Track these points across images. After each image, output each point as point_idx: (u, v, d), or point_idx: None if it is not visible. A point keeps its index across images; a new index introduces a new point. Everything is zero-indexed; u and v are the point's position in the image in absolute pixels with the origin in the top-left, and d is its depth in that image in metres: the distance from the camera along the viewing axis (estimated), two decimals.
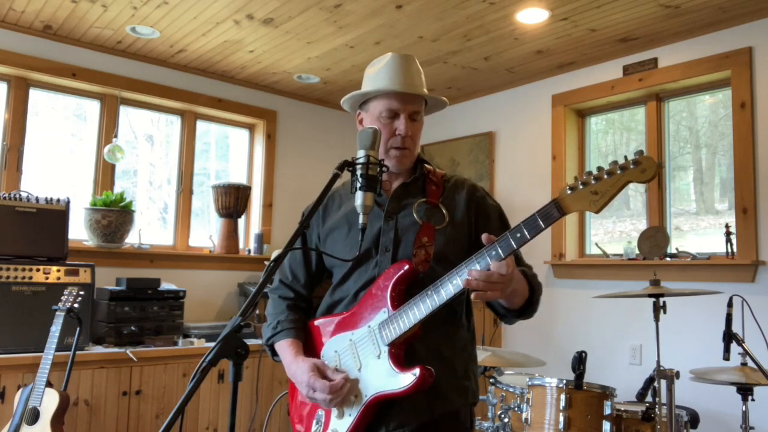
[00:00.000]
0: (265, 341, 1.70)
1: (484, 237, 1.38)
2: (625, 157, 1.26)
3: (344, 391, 1.50)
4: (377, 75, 1.64)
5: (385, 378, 1.45)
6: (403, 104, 1.62)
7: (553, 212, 1.30)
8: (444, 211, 1.62)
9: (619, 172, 1.25)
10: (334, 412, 1.53)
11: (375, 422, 1.50)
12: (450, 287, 1.39)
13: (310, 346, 1.65)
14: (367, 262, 1.60)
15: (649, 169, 1.23)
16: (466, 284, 1.35)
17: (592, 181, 1.27)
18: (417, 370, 1.41)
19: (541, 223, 1.30)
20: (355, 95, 1.68)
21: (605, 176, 1.26)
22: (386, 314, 1.49)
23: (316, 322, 1.68)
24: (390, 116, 1.62)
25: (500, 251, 1.34)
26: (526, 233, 1.31)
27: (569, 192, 1.29)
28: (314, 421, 1.58)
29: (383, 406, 1.49)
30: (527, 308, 1.54)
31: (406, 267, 1.49)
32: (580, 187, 1.28)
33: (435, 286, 1.42)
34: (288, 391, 1.75)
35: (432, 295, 1.42)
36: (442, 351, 1.55)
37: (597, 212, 1.28)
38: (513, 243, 1.33)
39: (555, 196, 1.32)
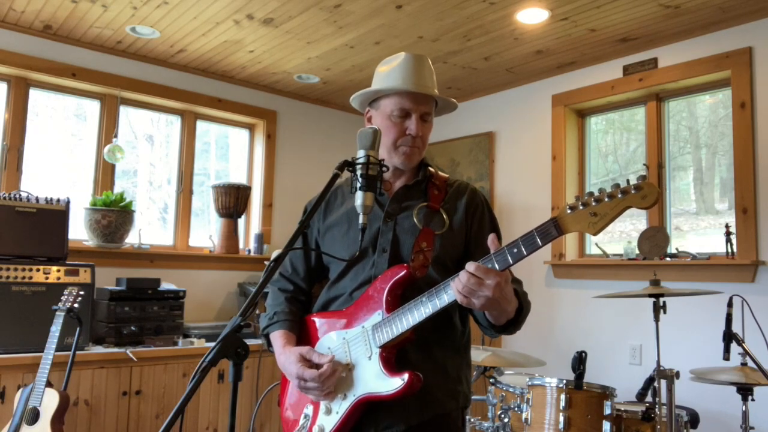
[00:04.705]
0: (261, 331, 1.72)
1: (489, 240, 1.38)
2: (627, 180, 1.26)
3: (335, 377, 1.49)
4: (391, 73, 1.64)
5: (374, 380, 1.46)
6: (416, 104, 1.61)
7: (551, 230, 1.30)
8: (444, 216, 1.62)
9: (619, 195, 1.25)
10: (322, 408, 1.54)
11: (364, 422, 1.51)
12: (445, 296, 1.40)
13: (305, 341, 1.66)
14: (363, 262, 1.60)
15: (649, 196, 1.22)
16: (453, 288, 1.35)
17: (593, 203, 1.27)
18: (406, 375, 1.41)
19: (538, 240, 1.30)
20: (367, 92, 1.67)
21: (606, 199, 1.26)
22: (380, 317, 1.49)
23: (312, 318, 1.69)
24: (401, 115, 1.62)
25: (496, 265, 1.34)
26: (523, 249, 1.32)
27: (569, 212, 1.29)
28: (302, 416, 1.59)
29: (373, 406, 1.49)
30: (510, 327, 1.52)
31: (404, 272, 1.49)
32: (580, 207, 1.28)
33: (430, 294, 1.42)
34: (279, 382, 1.76)
35: (426, 303, 1.42)
36: (434, 354, 1.55)
37: (595, 234, 1.28)
38: (510, 258, 1.33)
39: (555, 214, 1.31)
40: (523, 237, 1.32)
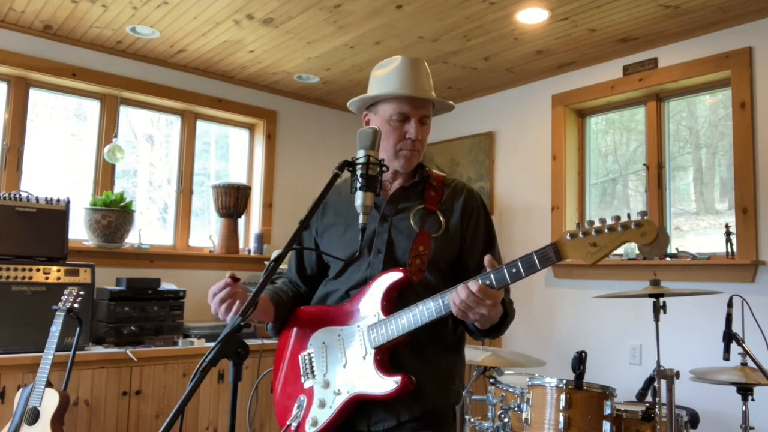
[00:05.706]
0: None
1: (486, 260, 1.40)
2: (628, 215, 1.29)
3: (225, 292, 1.52)
4: (388, 77, 1.65)
5: (367, 380, 1.49)
6: (414, 108, 1.63)
7: (550, 255, 1.33)
8: (441, 218, 1.64)
9: (620, 229, 1.28)
10: (316, 401, 1.56)
11: (357, 416, 1.54)
12: (442, 307, 1.43)
13: (300, 332, 1.68)
14: (359, 262, 1.62)
15: (649, 234, 1.25)
16: (450, 300, 1.40)
17: (593, 233, 1.29)
18: (399, 378, 1.45)
19: (537, 263, 1.34)
20: (366, 98, 1.68)
21: (606, 231, 1.28)
22: (376, 318, 1.52)
23: (308, 309, 1.71)
24: (400, 119, 1.63)
25: (494, 282, 1.37)
26: (522, 271, 1.35)
27: (569, 238, 1.32)
28: (295, 405, 1.62)
29: (365, 403, 1.52)
30: (494, 331, 1.56)
31: (401, 276, 1.52)
32: (581, 236, 1.31)
33: (426, 302, 1.45)
34: (272, 369, 1.79)
35: (423, 311, 1.45)
36: (427, 353, 1.58)
37: (592, 265, 1.32)
38: (508, 278, 1.36)
39: (555, 239, 1.35)
40: (523, 258, 1.35)
